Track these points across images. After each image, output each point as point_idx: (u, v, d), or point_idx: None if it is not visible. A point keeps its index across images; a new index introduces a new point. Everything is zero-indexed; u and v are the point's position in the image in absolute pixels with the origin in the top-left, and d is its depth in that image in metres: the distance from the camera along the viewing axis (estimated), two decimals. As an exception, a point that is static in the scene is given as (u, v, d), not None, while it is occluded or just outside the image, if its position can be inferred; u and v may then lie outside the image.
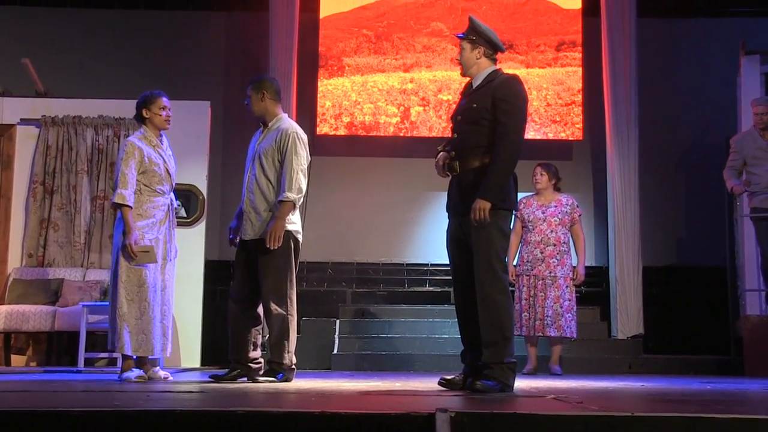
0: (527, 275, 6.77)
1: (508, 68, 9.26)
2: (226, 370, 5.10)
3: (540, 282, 6.75)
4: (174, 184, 5.42)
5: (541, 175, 6.88)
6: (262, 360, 5.14)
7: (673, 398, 3.90)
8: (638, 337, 8.07)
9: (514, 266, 6.81)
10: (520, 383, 5.21)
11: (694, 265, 9.21)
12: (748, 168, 7.32)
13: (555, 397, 3.71)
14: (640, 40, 8.76)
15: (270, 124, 5.24)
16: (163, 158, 5.31)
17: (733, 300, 8.26)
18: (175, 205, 5.45)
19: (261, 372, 5.11)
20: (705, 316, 8.85)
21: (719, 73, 9.02)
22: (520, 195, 7.09)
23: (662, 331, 8.73)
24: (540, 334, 6.73)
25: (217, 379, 5.02)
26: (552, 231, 6.76)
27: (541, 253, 6.74)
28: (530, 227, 6.81)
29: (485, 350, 4.24)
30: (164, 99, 5.34)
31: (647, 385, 5.03)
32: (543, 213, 6.82)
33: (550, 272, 6.75)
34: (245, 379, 5.05)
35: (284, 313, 4.96)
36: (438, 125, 9.22)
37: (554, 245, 6.77)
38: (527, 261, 6.77)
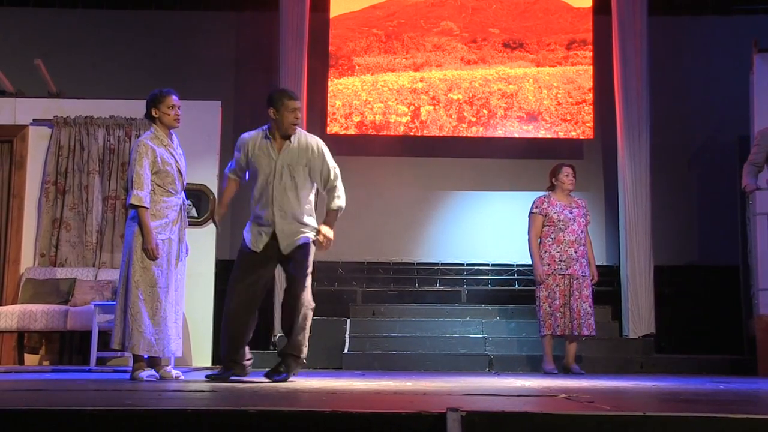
0: (561, 274, 6.81)
1: (519, 67, 9.31)
2: (219, 369, 5.10)
3: (575, 281, 6.80)
4: (185, 184, 5.43)
5: (574, 176, 6.98)
6: (252, 359, 5.18)
7: (685, 398, 3.88)
8: (650, 337, 8.05)
9: (547, 265, 6.83)
10: (532, 382, 5.21)
11: (706, 264, 9.18)
12: (770, 163, 7.31)
13: (566, 396, 3.70)
14: (651, 38, 8.73)
15: (292, 138, 5.10)
16: (174, 158, 5.32)
17: (746, 299, 8.22)
18: (186, 205, 5.46)
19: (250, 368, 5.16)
20: (717, 315, 8.82)
21: (731, 70, 8.98)
22: (535, 194, 7.14)
23: (674, 330, 8.71)
24: (576, 333, 6.77)
25: (212, 378, 5.00)
26: (582, 231, 6.91)
27: (575, 252, 6.82)
28: (561, 227, 6.85)
29: None
30: (174, 97, 5.33)
31: (659, 385, 5.01)
32: (571, 213, 6.90)
33: (582, 272, 6.84)
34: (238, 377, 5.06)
35: (312, 310, 5.05)
36: (448, 124, 9.22)
37: (583, 245, 6.92)
38: (560, 260, 6.81)
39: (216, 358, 7.86)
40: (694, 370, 7.30)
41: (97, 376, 5.76)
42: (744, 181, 7.33)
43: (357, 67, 9.33)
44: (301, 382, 4.91)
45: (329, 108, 9.26)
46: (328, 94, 9.27)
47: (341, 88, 9.29)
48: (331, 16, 9.37)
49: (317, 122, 9.15)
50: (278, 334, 8.03)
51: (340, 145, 9.35)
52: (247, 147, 5.14)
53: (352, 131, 9.29)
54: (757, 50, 7.97)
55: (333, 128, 9.26)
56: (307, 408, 2.78)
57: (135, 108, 7.54)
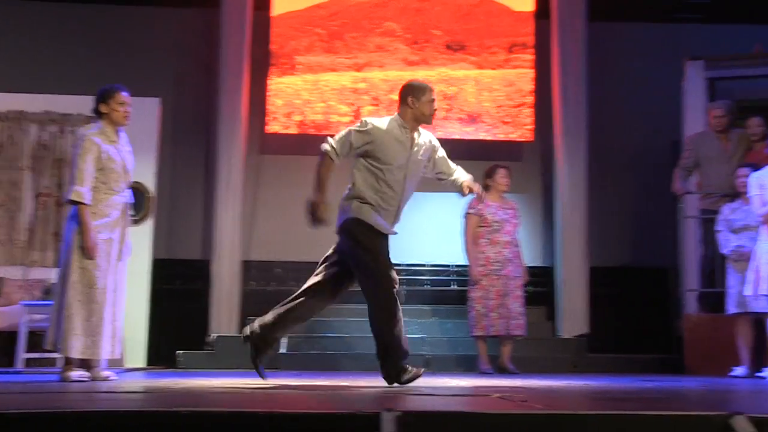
0: (496, 275, 6.88)
1: (461, 69, 9.37)
2: (411, 373, 4.77)
3: (510, 282, 6.88)
4: (131, 182, 5.33)
5: (509, 177, 7.07)
6: None
7: (614, 396, 3.96)
8: (583, 337, 8.18)
9: (483, 266, 6.89)
10: (467, 382, 5.25)
11: (640, 265, 9.35)
12: (702, 169, 7.50)
13: (500, 395, 3.74)
14: (591, 43, 8.87)
15: (420, 130, 5.02)
16: (121, 155, 5.22)
17: (676, 300, 8.42)
18: (130, 203, 5.38)
19: None
20: (649, 315, 9.00)
21: (666, 77, 9.16)
22: (470, 197, 7.19)
23: (607, 330, 8.85)
24: (509, 333, 6.85)
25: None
26: (516, 232, 6.96)
27: (510, 253, 6.91)
28: (496, 227, 6.93)
29: None
30: (124, 94, 5.24)
31: (591, 384, 5.10)
32: (505, 214, 6.98)
33: (515, 273, 6.95)
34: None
35: None
36: (389, 125, 9.23)
37: (517, 246, 7.02)
38: (496, 261, 6.89)
39: (150, 359, 7.76)
40: (625, 369, 7.44)
41: (25, 377, 5.63)
42: (675, 185, 7.53)
43: (299, 66, 9.29)
44: (236, 382, 4.87)
45: (270, 107, 9.21)
46: (269, 93, 9.21)
47: (282, 87, 9.25)
48: (273, 15, 9.31)
49: (257, 121, 9.10)
50: (214, 334, 7.96)
51: (280, 145, 9.34)
52: (379, 133, 4.84)
53: (293, 130, 9.25)
54: (689, 58, 8.17)
55: (273, 127, 9.21)
56: (241, 408, 2.76)
57: (71, 103, 7.40)
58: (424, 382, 5.19)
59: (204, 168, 9.06)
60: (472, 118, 9.29)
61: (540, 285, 8.73)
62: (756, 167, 6.55)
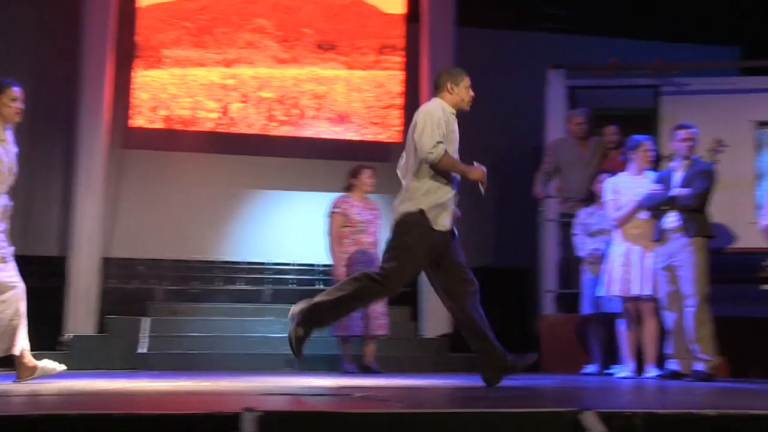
0: None
1: (331, 69, 9.39)
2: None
3: None
4: (13, 182, 5.02)
5: (374, 178, 7.10)
6: None
7: (474, 395, 4.05)
8: (446, 337, 8.33)
9: (346, 267, 6.90)
10: (331, 382, 5.26)
11: (501, 266, 9.60)
12: (562, 174, 7.76)
13: (363, 395, 3.77)
14: (460, 48, 9.04)
15: None
16: (9, 156, 4.93)
17: (535, 300, 8.69)
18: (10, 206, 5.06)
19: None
20: (510, 315, 9.24)
21: (530, 84, 9.44)
22: (336, 194, 7.22)
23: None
24: (372, 333, 6.88)
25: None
26: (380, 232, 7.00)
27: (374, 254, 6.94)
28: (361, 228, 6.95)
29: None
30: (16, 89, 4.93)
31: (452, 383, 5.20)
32: (370, 214, 7.01)
33: None
34: None
35: None
36: (258, 123, 9.15)
37: (377, 247, 7.02)
38: (360, 262, 6.89)
39: (5, 360, 7.40)
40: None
41: None
42: (536, 189, 7.79)
43: (166, 60, 9.08)
44: (92, 383, 4.72)
45: (134, 100, 8.96)
46: (134, 86, 8.96)
47: (148, 81, 9.01)
48: (140, 5, 9.06)
49: (121, 114, 8.83)
50: (70, 334, 7.68)
51: (145, 140, 9.10)
52: (447, 119, 4.83)
53: (158, 125, 9.03)
54: (552, 66, 8.46)
55: (137, 121, 8.97)
56: (95, 411, 2.68)
57: None
58: (287, 381, 5.17)
59: (63, 161, 8.72)
60: (341, 118, 9.33)
61: (406, 285, 8.82)
62: (612, 173, 6.83)
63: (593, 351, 6.91)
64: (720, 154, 6.61)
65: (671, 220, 6.11)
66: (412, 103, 9.24)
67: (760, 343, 6.95)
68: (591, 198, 7.05)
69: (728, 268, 7.60)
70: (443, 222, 4.82)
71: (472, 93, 5.00)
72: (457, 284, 5.02)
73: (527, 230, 9.08)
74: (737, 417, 2.70)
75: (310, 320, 4.68)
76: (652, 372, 6.23)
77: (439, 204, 4.81)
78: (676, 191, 6.12)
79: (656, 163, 6.97)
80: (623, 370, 6.37)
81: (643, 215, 6.36)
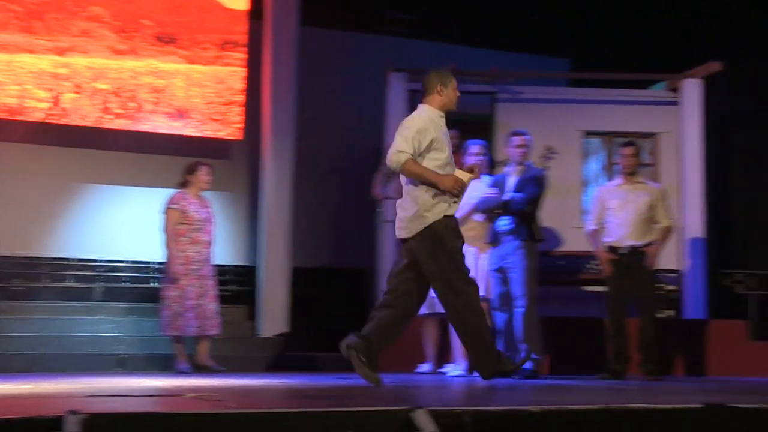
0: (196, 275, 6.78)
1: (171, 62, 9.15)
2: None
3: (207, 282, 6.80)
4: None
5: (211, 175, 6.99)
6: None
7: (309, 394, 4.06)
8: (282, 336, 8.31)
9: (182, 265, 6.76)
10: (164, 382, 5.14)
11: (341, 266, 9.67)
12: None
13: (195, 395, 3.70)
14: (303, 47, 9.03)
15: None
16: None
17: (372, 300, 8.79)
18: None
19: None
20: (348, 315, 9.31)
21: (372, 86, 9.55)
22: (172, 191, 7.06)
23: (308, 330, 9.06)
24: (206, 332, 6.77)
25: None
26: (214, 231, 6.88)
27: (209, 253, 6.83)
28: (198, 226, 6.83)
29: None
30: None
31: (288, 382, 5.19)
32: (206, 213, 6.89)
33: (212, 272, 6.89)
34: None
35: None
36: (92, 115, 8.80)
37: (211, 246, 6.94)
38: (196, 261, 6.78)
39: None
40: (322, 367, 7.64)
41: None
42: (375, 190, 7.87)
43: (-9, 45, 8.59)
44: None
45: (-45, 85, 8.43)
46: (-45, 71, 8.43)
47: (-30, 65, 8.50)
48: (-38, -15, 8.54)
49: (-59, 99, 8.29)
50: None
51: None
52: (434, 125, 4.86)
53: (-19, 113, 8.53)
54: (393, 69, 8.59)
55: (-42, 108, 8.44)
56: None
57: None
58: (118, 382, 5.02)
59: None
60: (181, 113, 9.12)
61: (243, 284, 8.75)
62: (449, 176, 6.98)
63: (426, 350, 7.05)
64: (551, 160, 6.91)
65: (504, 223, 6.32)
66: (253, 100, 9.17)
67: (583, 341, 7.30)
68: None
69: (556, 270, 7.97)
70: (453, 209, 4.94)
71: (458, 93, 5.09)
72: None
73: (366, 231, 9.19)
74: (558, 412, 2.83)
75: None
76: (482, 370, 6.42)
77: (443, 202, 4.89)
78: (509, 195, 6.34)
79: (491, 167, 7.20)
80: (456, 369, 6.53)
81: (478, 218, 6.55)
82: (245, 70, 9.33)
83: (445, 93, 5.03)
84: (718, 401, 3.14)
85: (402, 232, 4.98)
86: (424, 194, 4.84)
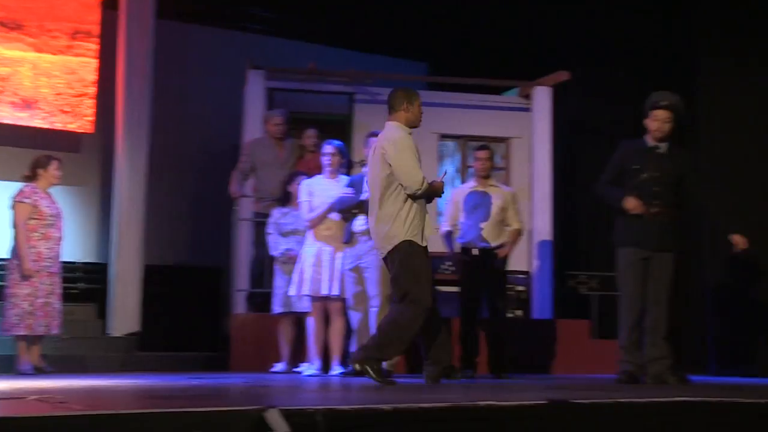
0: (47, 272, 6.53)
1: (17, 50, 8.75)
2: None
3: (56, 279, 6.60)
4: None
5: (61, 169, 6.76)
6: None
7: (159, 394, 3.98)
8: (134, 335, 8.11)
9: (34, 262, 6.49)
10: (3, 384, 4.92)
11: (195, 264, 9.52)
12: (258, 173, 7.82)
13: (38, 397, 3.56)
14: (159, 40, 8.82)
15: None
16: None
17: (227, 299, 8.71)
18: None
19: None
20: (201, 314, 9.19)
21: (230, 82, 9.44)
22: (18, 184, 6.76)
23: (161, 329, 8.88)
24: (51, 332, 6.53)
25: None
26: (64, 228, 6.65)
27: (61, 249, 6.60)
28: (51, 222, 6.58)
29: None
30: None
31: (138, 383, 5.07)
32: (57, 208, 6.68)
33: (59, 269, 6.68)
34: None
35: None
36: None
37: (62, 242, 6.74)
38: (48, 257, 6.55)
39: None
40: (174, 367, 7.51)
41: None
42: (231, 188, 7.80)
43: None
44: None
45: None
46: None
47: None
48: None
49: None
50: None
51: None
52: (413, 143, 5.22)
53: None
54: (252, 66, 8.52)
55: None
56: None
57: None
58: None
59: None
60: (27, 104, 8.74)
61: (93, 282, 8.49)
62: (308, 175, 7.00)
63: (282, 349, 7.04)
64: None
65: (360, 223, 6.38)
66: (106, 92, 8.89)
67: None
68: (286, 198, 7.17)
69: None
70: (426, 236, 5.30)
71: (422, 110, 5.38)
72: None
73: (222, 229, 9.08)
74: (409, 411, 2.89)
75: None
76: (337, 370, 6.47)
77: (417, 224, 5.24)
78: (366, 196, 6.39)
79: (349, 167, 7.26)
80: (310, 368, 6.55)
81: (335, 217, 6.59)
82: (98, 61, 9.03)
83: (411, 110, 5.32)
84: (561, 397, 3.28)
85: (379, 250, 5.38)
86: (400, 213, 5.23)
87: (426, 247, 5.28)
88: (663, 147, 5.75)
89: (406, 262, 5.18)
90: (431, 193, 5.33)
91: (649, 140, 5.77)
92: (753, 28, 8.37)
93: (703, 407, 3.45)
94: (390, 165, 5.17)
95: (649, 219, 5.63)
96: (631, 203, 5.63)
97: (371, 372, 5.07)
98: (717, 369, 8.17)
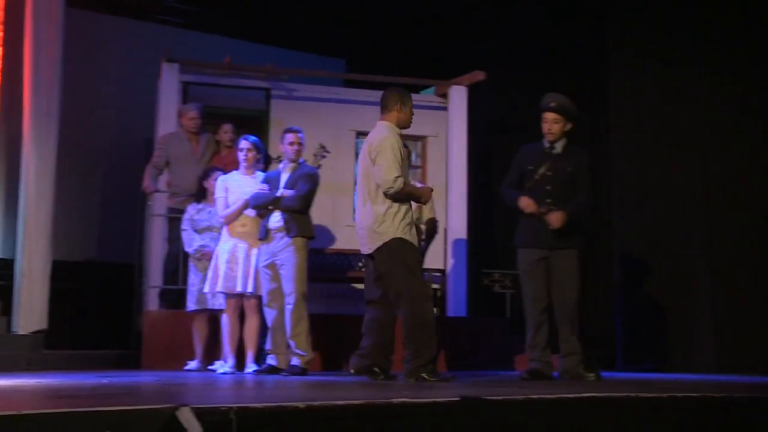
0: None
1: None
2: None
3: None
4: None
5: None
6: None
7: (67, 394, 3.89)
8: (41, 333, 7.89)
9: None
10: None
11: (107, 261, 9.33)
12: (172, 168, 7.71)
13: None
14: (69, 30, 8.58)
15: None
16: None
17: (139, 296, 8.56)
18: None
19: None
20: (113, 311, 9.02)
21: (144, 75, 9.28)
22: None
23: (69, 326, 8.68)
24: None
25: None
26: None
27: None
28: None
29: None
30: None
31: (45, 382, 4.95)
32: None
33: None
34: None
35: None
36: None
37: None
38: None
39: None
40: (83, 365, 7.34)
41: None
42: (145, 182, 7.67)
43: None
44: None
45: None
46: None
47: None
48: None
49: None
50: None
51: None
52: (398, 141, 5.40)
53: None
54: (166, 59, 8.37)
55: None
56: None
57: None
58: None
59: None
60: None
61: (-1, 278, 8.24)
62: (224, 171, 6.94)
63: (196, 347, 6.96)
64: (323, 159, 7.03)
65: (276, 219, 6.35)
66: (11, 82, 8.59)
67: (353, 338, 7.47)
68: (201, 194, 7.09)
69: (327, 268, 8.12)
70: (414, 236, 5.49)
71: (413, 112, 5.62)
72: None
73: (134, 224, 8.93)
74: (323, 408, 2.90)
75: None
76: (251, 367, 6.43)
77: (408, 222, 5.43)
78: (281, 192, 6.38)
79: (266, 163, 7.22)
80: (224, 366, 6.49)
81: (250, 214, 6.55)
82: (2, 49, 8.74)
83: (404, 111, 5.56)
84: (474, 394, 3.34)
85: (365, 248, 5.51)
86: (390, 211, 5.40)
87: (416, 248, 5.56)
88: (558, 147, 5.89)
89: (399, 257, 5.34)
90: (413, 196, 5.53)
91: (546, 142, 5.92)
92: (663, 27, 8.62)
93: (609, 402, 3.55)
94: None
95: (543, 218, 5.75)
96: (524, 202, 5.77)
97: (429, 380, 5.23)
98: (623, 365, 8.41)
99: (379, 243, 5.38)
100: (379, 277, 5.50)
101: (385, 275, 5.44)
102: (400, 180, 5.31)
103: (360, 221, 5.55)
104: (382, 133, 5.45)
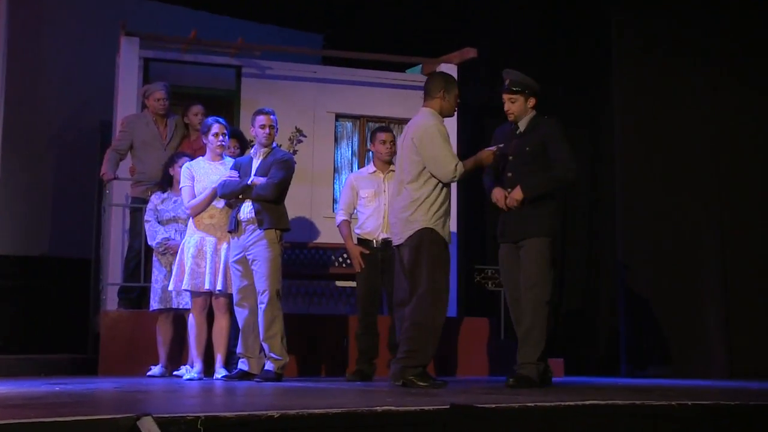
0: None
1: None
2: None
3: None
4: None
5: None
6: None
7: (14, 403, 3.87)
8: (-12, 336, 7.88)
9: None
10: None
11: (60, 255, 9.28)
12: (136, 154, 7.63)
13: None
14: (11, 6, 8.51)
15: None
16: None
17: (96, 294, 8.51)
18: None
19: None
20: (66, 311, 8.98)
21: (99, 51, 9.21)
22: None
23: (15, 328, 8.64)
24: None
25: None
26: None
27: None
28: None
29: None
30: None
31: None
32: None
33: None
34: None
35: None
36: None
37: None
38: None
39: None
40: (33, 371, 7.29)
41: None
42: (103, 169, 7.57)
43: None
44: None
45: None
46: None
47: None
48: None
49: None
50: None
51: None
52: (445, 130, 5.55)
53: None
54: (125, 33, 8.28)
55: None
56: None
57: None
58: None
59: None
60: None
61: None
62: (192, 157, 6.87)
63: (160, 351, 6.93)
64: (300, 144, 7.01)
65: (247, 210, 6.31)
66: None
67: (331, 340, 7.48)
68: (167, 182, 7.03)
69: (303, 264, 8.09)
70: (448, 230, 5.61)
71: (458, 101, 5.69)
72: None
73: (90, 215, 8.88)
74: (299, 417, 2.89)
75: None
76: (220, 373, 6.41)
77: (442, 215, 5.56)
78: (252, 180, 6.34)
79: (242, 149, 7.15)
80: (191, 372, 6.47)
81: (218, 204, 6.51)
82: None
83: (447, 99, 5.64)
84: (464, 402, 3.34)
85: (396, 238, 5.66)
86: (427, 198, 5.55)
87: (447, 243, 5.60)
88: (522, 125, 5.85)
89: (425, 249, 5.43)
90: (477, 168, 5.69)
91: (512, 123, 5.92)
92: (668, 14, 8.65)
93: (612, 410, 3.57)
94: (420, 153, 5.49)
95: (507, 209, 5.72)
96: (494, 196, 5.77)
97: (417, 384, 5.25)
98: (629, 370, 8.46)
99: (410, 232, 5.49)
100: (409, 272, 5.52)
101: (408, 267, 5.50)
102: (460, 165, 5.50)
103: (393, 211, 5.75)
104: (429, 120, 5.59)
